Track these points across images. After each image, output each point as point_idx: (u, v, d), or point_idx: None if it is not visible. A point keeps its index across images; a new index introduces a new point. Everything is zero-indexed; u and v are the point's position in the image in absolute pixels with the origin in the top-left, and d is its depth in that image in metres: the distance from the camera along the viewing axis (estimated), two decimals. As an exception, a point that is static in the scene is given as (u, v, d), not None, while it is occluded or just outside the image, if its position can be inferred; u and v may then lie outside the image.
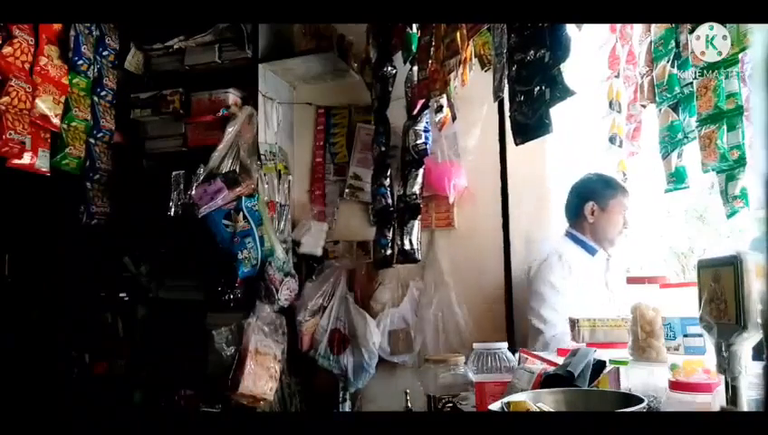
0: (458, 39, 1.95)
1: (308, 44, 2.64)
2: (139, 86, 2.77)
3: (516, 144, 1.67)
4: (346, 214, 2.79)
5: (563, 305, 2.02)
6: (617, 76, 1.93)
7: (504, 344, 2.11)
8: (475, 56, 2.12)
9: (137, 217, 2.72)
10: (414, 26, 2.31)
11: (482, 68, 2.17)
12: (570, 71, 1.51)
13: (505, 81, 1.70)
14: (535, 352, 1.66)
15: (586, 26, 1.58)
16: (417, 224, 2.38)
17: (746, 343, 0.96)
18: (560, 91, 1.51)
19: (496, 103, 2.33)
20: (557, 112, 1.56)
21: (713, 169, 1.35)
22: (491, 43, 1.86)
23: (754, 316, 0.93)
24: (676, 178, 1.55)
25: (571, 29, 1.51)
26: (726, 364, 0.97)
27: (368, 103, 2.64)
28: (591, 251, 2.18)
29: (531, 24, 1.58)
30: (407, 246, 2.36)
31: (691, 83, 1.42)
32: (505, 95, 1.73)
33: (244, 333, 2.40)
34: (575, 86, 1.51)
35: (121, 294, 2.70)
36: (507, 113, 1.69)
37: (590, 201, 2.16)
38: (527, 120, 1.60)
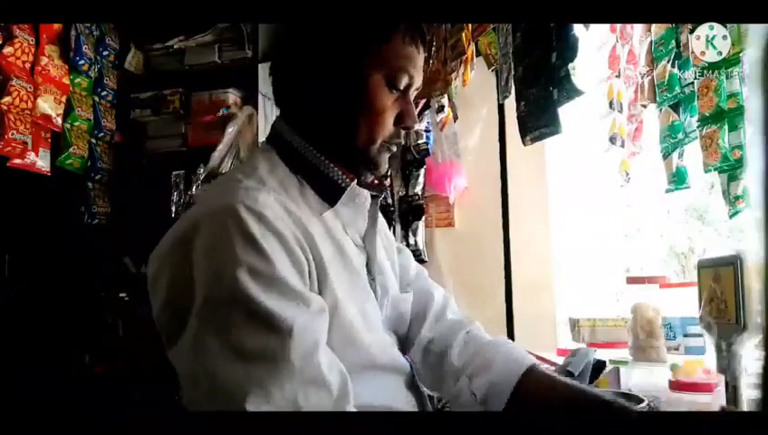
0: (464, 39, 1.95)
1: (308, 44, 2.63)
2: (139, 86, 2.77)
3: (525, 145, 1.67)
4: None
5: None
6: (617, 76, 1.92)
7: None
8: (480, 56, 2.12)
9: (137, 217, 2.72)
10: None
11: (488, 67, 2.17)
12: (581, 70, 1.51)
13: (512, 81, 1.70)
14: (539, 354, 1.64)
15: (588, 26, 1.58)
16: (421, 224, 2.38)
17: (746, 343, 0.96)
18: (568, 91, 1.51)
19: (496, 103, 2.33)
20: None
21: (714, 169, 1.35)
22: (496, 43, 1.85)
23: (754, 316, 0.93)
24: (677, 179, 1.55)
25: (577, 29, 1.51)
26: (726, 364, 0.97)
27: (368, 103, 2.64)
28: None
29: (536, 25, 1.58)
30: (413, 247, 2.36)
31: (692, 83, 1.42)
32: (511, 95, 1.73)
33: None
34: (583, 86, 1.51)
35: (121, 294, 2.70)
36: (514, 113, 1.69)
37: None
38: (535, 121, 1.60)
